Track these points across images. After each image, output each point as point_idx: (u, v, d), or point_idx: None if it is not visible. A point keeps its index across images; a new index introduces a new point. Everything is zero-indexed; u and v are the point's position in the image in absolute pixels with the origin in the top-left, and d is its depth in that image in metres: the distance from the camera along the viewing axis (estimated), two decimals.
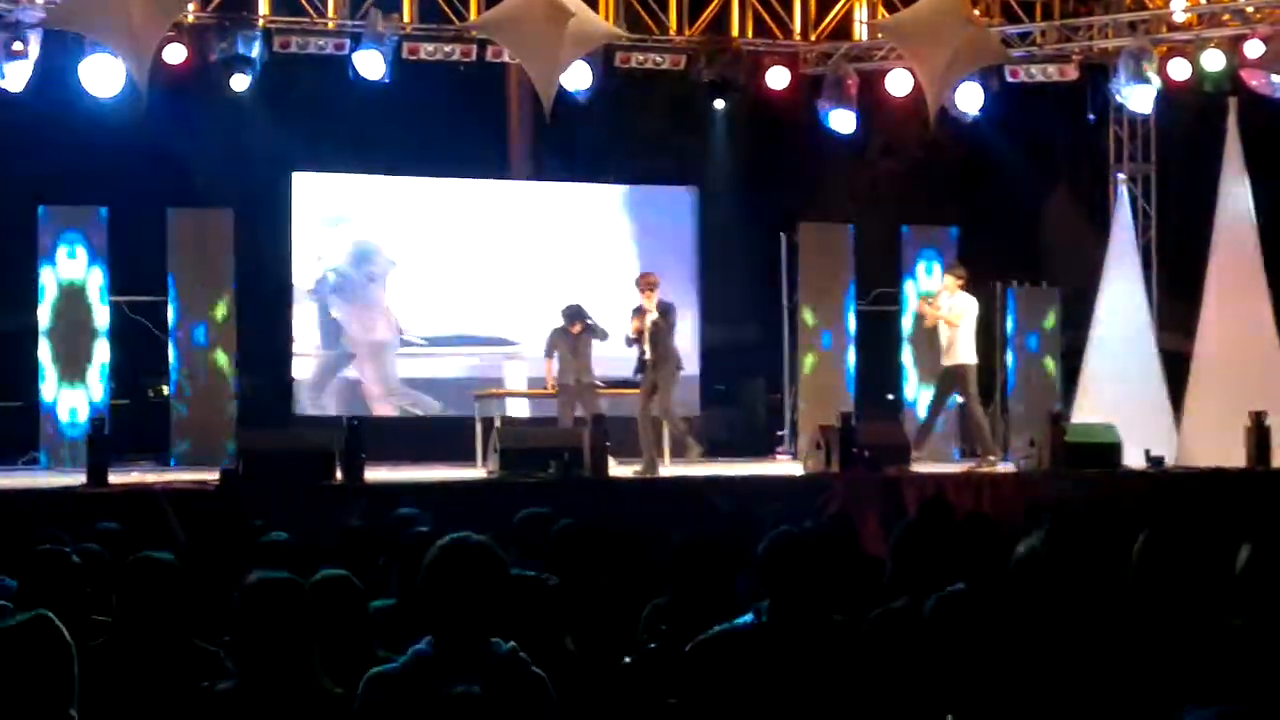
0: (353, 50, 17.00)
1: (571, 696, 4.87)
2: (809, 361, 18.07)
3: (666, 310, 14.60)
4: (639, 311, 14.54)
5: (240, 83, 16.66)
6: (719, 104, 18.25)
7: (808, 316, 18.15)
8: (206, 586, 6.46)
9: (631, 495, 13.05)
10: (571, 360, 15.68)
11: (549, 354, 15.86)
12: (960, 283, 15.37)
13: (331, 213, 18.23)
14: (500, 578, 4.60)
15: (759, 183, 18.83)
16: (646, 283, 14.70)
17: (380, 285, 18.32)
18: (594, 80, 17.27)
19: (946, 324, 15.27)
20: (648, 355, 14.52)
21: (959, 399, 15.79)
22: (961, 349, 15.22)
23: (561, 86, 16.02)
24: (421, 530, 7.17)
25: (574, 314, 15.73)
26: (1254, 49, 17.36)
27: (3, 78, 15.75)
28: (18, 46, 15.70)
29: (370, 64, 16.85)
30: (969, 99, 17.73)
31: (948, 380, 15.47)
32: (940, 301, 15.48)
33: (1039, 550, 4.89)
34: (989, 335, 18.76)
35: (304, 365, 18.04)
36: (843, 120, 18.18)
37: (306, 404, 17.88)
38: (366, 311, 18.28)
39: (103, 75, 15.92)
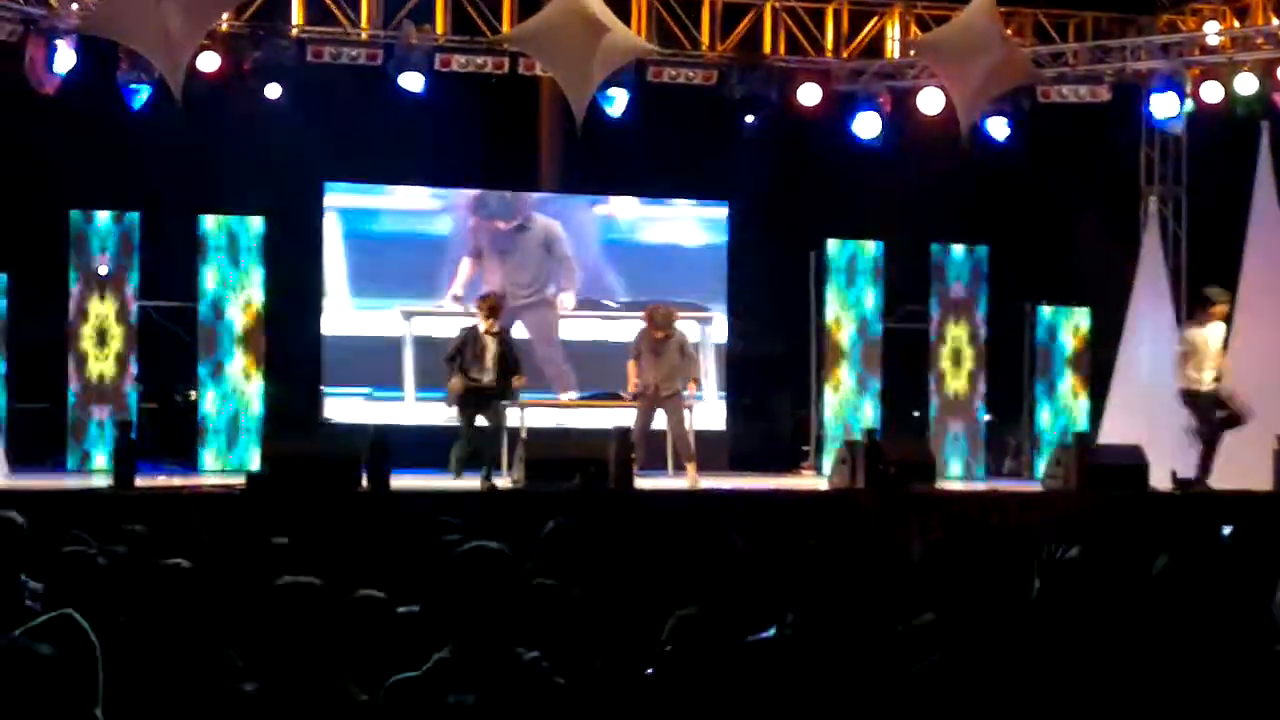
0: (386, 60, 17.09)
1: (596, 705, 4.87)
2: (836, 377, 18.13)
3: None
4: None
5: (273, 91, 16.79)
6: (749, 119, 18.30)
7: (835, 332, 18.20)
8: (229, 590, 6.47)
9: (655, 508, 13.04)
10: (653, 366, 15.33)
11: (633, 357, 15.47)
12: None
13: (362, 221, 18.28)
14: (516, 584, 4.61)
15: (789, 198, 18.82)
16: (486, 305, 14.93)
17: (411, 292, 18.35)
18: (626, 95, 17.33)
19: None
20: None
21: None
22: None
23: (593, 100, 16.05)
24: (451, 538, 7.17)
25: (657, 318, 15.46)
26: None
27: (38, 83, 15.84)
28: (54, 51, 15.78)
29: (411, 81, 16.99)
30: (997, 128, 17.76)
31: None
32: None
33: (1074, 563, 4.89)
34: (1018, 355, 18.78)
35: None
36: (868, 125, 18.20)
37: (334, 411, 17.90)
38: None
39: (139, 85, 16.09)
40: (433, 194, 18.65)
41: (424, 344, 17.93)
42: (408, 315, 18.06)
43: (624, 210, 19.02)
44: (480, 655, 4.51)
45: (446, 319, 17.59)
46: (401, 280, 18.23)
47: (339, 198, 18.25)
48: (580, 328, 18.52)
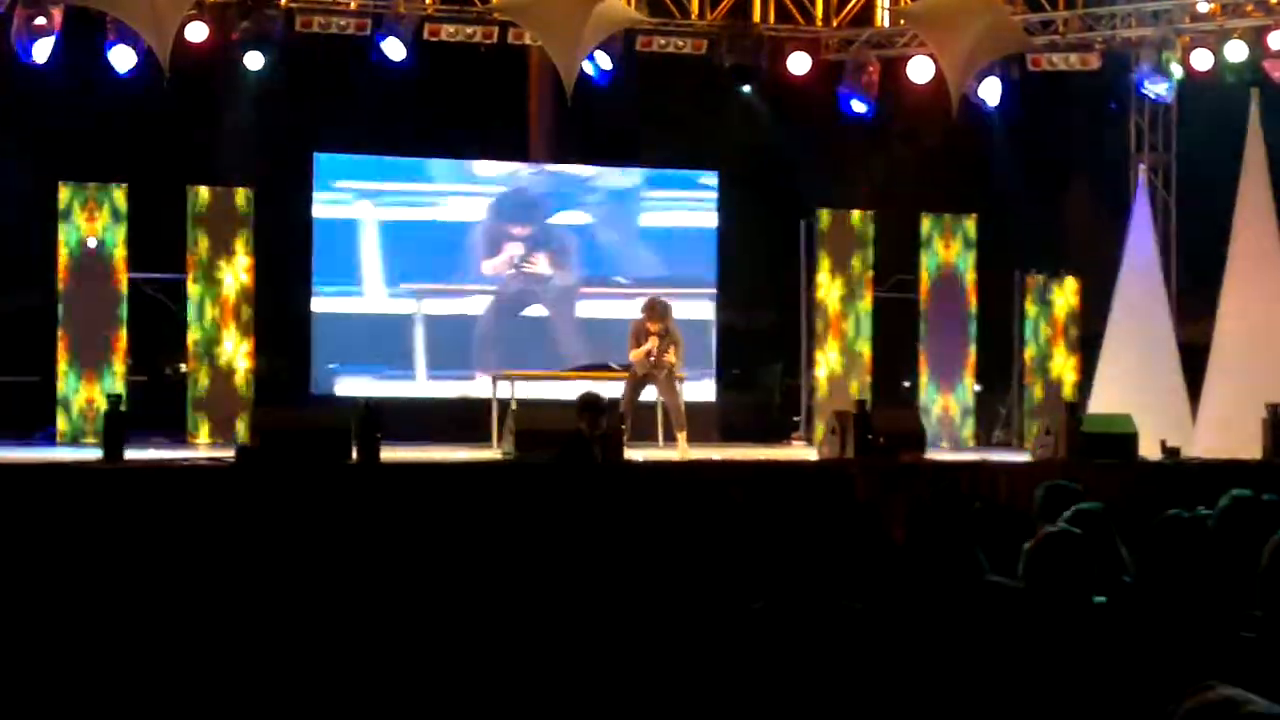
0: (374, 30, 17.05)
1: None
2: (826, 347, 18.14)
3: None
4: None
5: (259, 61, 16.76)
6: (746, 89, 18.30)
7: (825, 302, 18.19)
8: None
9: (645, 480, 13.02)
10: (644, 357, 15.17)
11: (631, 346, 15.25)
12: None
13: (351, 192, 18.22)
14: None
15: (779, 168, 18.79)
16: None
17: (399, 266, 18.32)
18: (615, 64, 17.30)
19: None
20: None
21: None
22: None
23: (582, 70, 16.01)
24: None
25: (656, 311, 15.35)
26: (1277, 40, 17.33)
27: (26, 53, 15.81)
28: (41, 22, 15.75)
29: (393, 49, 16.95)
30: (990, 90, 17.72)
31: None
32: None
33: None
34: (1008, 324, 18.79)
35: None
36: (861, 106, 18.20)
37: (324, 384, 17.88)
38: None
39: (124, 52, 16.05)
40: (454, 182, 18.55)
41: (434, 323, 18.00)
42: (418, 294, 17.98)
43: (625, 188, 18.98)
44: None
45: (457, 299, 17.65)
46: (424, 268, 18.26)
47: (366, 189, 18.18)
48: (590, 305, 18.54)
